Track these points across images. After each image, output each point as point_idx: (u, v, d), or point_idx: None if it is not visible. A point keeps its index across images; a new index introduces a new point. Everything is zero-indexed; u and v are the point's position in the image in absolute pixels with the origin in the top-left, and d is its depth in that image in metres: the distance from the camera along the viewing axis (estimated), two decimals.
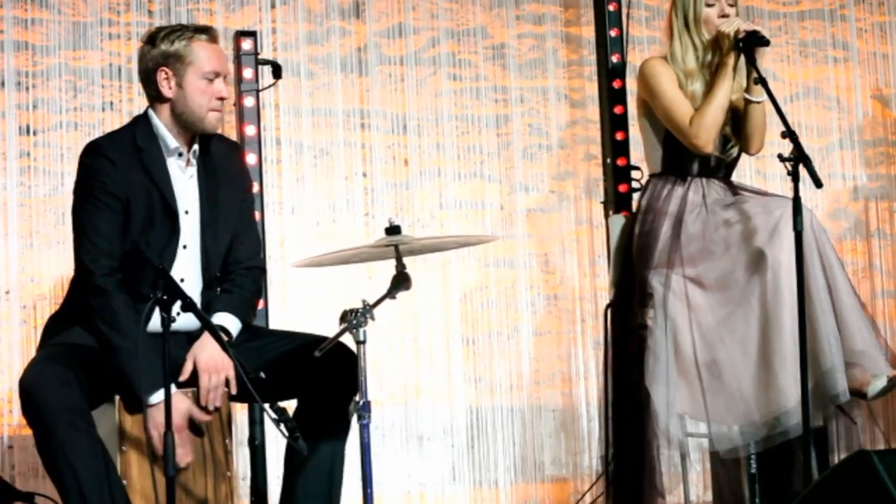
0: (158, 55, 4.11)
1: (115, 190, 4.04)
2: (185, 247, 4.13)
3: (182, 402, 3.94)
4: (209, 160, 4.22)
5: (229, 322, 4.12)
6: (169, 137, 4.13)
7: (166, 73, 4.11)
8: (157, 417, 3.86)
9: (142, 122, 4.17)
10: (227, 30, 5.52)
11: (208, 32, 4.16)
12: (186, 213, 4.13)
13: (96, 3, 5.47)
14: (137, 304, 3.92)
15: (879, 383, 4.41)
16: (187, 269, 4.13)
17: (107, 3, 5.48)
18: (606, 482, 4.96)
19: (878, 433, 4.76)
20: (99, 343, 3.98)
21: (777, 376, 4.37)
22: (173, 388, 3.91)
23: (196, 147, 4.18)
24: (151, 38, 4.15)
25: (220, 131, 4.32)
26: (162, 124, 4.14)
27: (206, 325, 3.88)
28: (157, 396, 3.87)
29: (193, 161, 4.18)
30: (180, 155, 4.15)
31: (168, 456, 3.64)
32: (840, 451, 4.50)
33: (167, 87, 4.11)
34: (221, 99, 4.15)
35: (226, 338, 4.07)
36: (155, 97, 4.15)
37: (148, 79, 4.15)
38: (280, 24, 5.71)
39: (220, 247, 4.21)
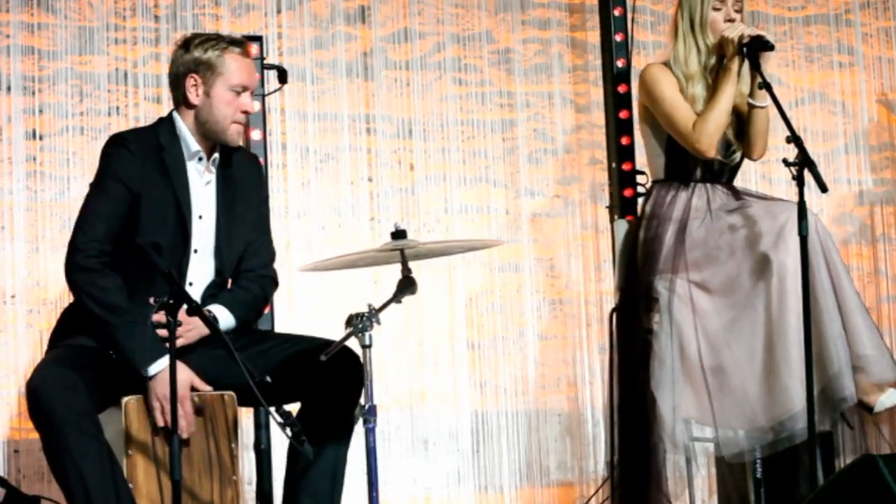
0: (190, 61, 4.14)
1: (128, 180, 4.06)
2: (195, 251, 4.14)
3: (184, 372, 3.92)
4: (229, 171, 4.25)
5: (220, 312, 4.13)
6: (192, 141, 4.16)
7: (195, 80, 4.13)
8: (157, 388, 3.87)
9: (165, 123, 4.21)
10: (233, 35, 5.52)
11: (241, 46, 4.19)
12: (200, 217, 4.15)
13: (102, 8, 5.48)
14: (145, 310, 3.94)
15: (888, 400, 4.41)
16: (198, 273, 4.15)
17: (113, 8, 5.49)
18: (612, 487, 4.96)
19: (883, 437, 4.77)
20: (91, 322, 3.98)
21: (783, 381, 4.37)
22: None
23: (217, 156, 4.21)
24: (186, 43, 4.18)
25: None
26: (185, 128, 4.16)
27: (212, 330, 3.89)
28: (156, 367, 3.89)
29: (213, 169, 4.20)
30: (200, 160, 4.17)
31: (175, 459, 3.65)
32: (846, 455, 4.50)
33: (194, 94, 4.13)
34: (246, 112, 4.18)
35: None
36: (181, 102, 4.18)
37: (176, 83, 4.17)
38: (286, 28, 5.72)
39: (234, 254, 4.24)
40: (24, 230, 5.32)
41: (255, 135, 5.21)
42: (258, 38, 5.30)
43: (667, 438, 4.49)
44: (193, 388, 4.00)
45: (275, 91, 5.30)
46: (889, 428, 4.87)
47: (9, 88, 5.34)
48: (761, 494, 4.61)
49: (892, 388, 4.45)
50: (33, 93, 5.38)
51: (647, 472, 4.55)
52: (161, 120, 4.24)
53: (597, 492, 5.62)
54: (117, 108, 5.46)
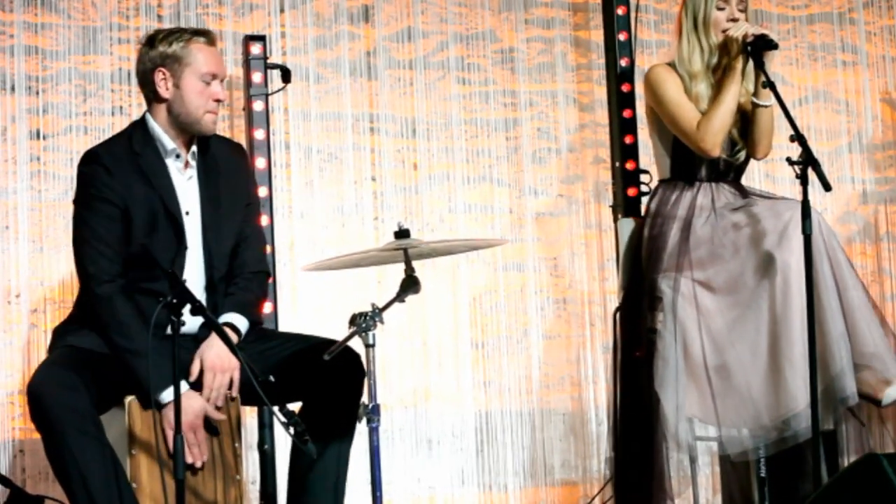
0: (157, 56, 4.14)
1: (113, 197, 4.07)
2: (186, 248, 4.14)
3: (196, 401, 3.96)
4: (210, 161, 4.24)
5: (238, 321, 4.14)
6: (166, 139, 4.16)
7: (164, 74, 4.13)
8: (172, 417, 3.87)
9: (139, 126, 4.21)
10: (237, 34, 5.54)
11: (206, 35, 4.20)
12: (187, 213, 4.16)
13: (106, 8, 5.48)
14: (146, 302, 3.94)
15: (893, 391, 4.41)
16: (190, 270, 4.14)
17: (116, 8, 5.49)
18: (615, 486, 4.96)
19: (887, 436, 4.76)
20: (110, 350, 3.99)
21: (787, 379, 4.37)
22: (186, 386, 3.93)
23: (195, 149, 4.20)
24: (150, 40, 4.18)
25: (228, 135, 4.32)
26: (159, 126, 4.16)
27: (216, 328, 3.89)
28: (170, 395, 3.89)
29: (193, 163, 4.20)
30: (178, 156, 4.17)
31: (178, 459, 3.64)
32: (850, 454, 4.50)
33: (164, 88, 4.13)
34: (218, 101, 4.18)
35: (235, 336, 4.09)
36: (152, 98, 4.18)
37: (146, 80, 4.18)
38: (289, 28, 5.72)
39: (223, 247, 4.22)
40: (28, 230, 5.31)
41: (259, 134, 5.22)
42: (261, 38, 5.32)
43: (670, 437, 4.49)
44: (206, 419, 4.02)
45: (278, 90, 5.30)
46: (894, 425, 4.86)
47: (13, 88, 5.35)
48: (765, 493, 4.60)
49: None
50: (37, 93, 5.38)
51: (650, 472, 4.55)
52: (134, 124, 4.25)
53: (600, 491, 5.62)
54: (121, 107, 5.46)
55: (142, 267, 4.04)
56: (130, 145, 4.15)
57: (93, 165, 4.12)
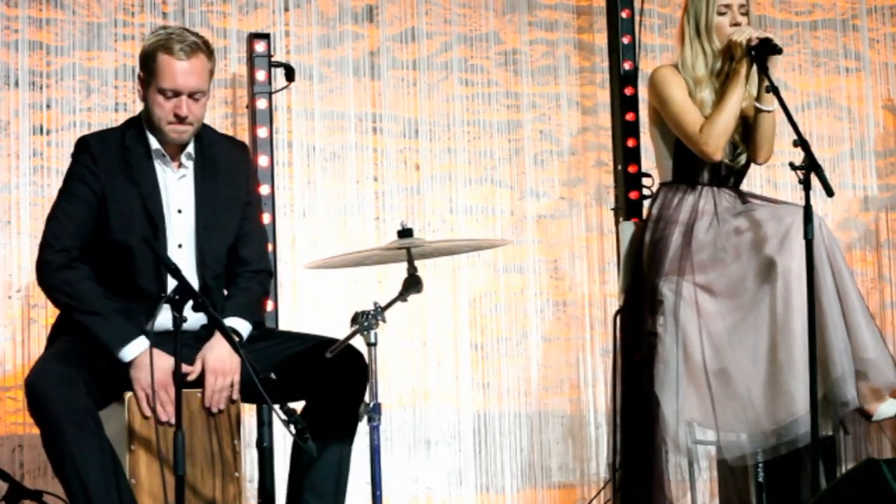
0: (141, 56, 4.09)
1: (92, 182, 4.04)
2: (180, 246, 4.09)
3: (165, 360, 3.88)
4: (209, 160, 4.17)
5: (239, 325, 4.11)
6: (152, 140, 4.09)
7: (141, 77, 4.09)
8: (137, 375, 3.87)
9: (134, 122, 4.16)
10: (241, 32, 5.54)
11: (182, 43, 4.00)
12: (180, 212, 4.11)
13: (110, 4, 5.48)
14: (135, 304, 3.94)
15: (887, 409, 4.42)
16: (184, 268, 4.08)
17: (121, 4, 5.50)
18: (614, 489, 4.96)
19: (885, 442, 4.76)
20: (66, 317, 3.98)
21: (787, 384, 4.37)
22: (148, 343, 3.88)
23: (191, 149, 4.13)
24: (149, 35, 4.13)
25: (231, 132, 4.28)
26: (146, 126, 4.11)
27: (218, 326, 3.88)
28: (132, 350, 3.88)
29: (188, 163, 4.15)
30: (163, 156, 4.12)
31: (178, 455, 3.64)
32: (848, 460, 4.50)
33: (140, 93, 4.10)
34: (180, 117, 4.03)
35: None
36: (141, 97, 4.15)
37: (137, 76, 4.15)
38: (293, 27, 5.72)
39: (219, 247, 4.17)
40: (30, 225, 5.32)
41: (262, 132, 5.22)
42: (266, 36, 5.32)
43: (669, 440, 4.49)
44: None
45: (282, 89, 5.31)
46: (892, 431, 4.87)
47: (16, 83, 5.35)
48: (763, 498, 4.60)
49: (893, 399, 4.45)
50: (40, 88, 5.38)
51: (649, 475, 4.55)
52: (131, 120, 4.19)
53: (598, 494, 5.62)
54: (124, 104, 5.46)
55: (122, 264, 4.02)
56: (123, 139, 4.11)
57: (81, 152, 4.10)
